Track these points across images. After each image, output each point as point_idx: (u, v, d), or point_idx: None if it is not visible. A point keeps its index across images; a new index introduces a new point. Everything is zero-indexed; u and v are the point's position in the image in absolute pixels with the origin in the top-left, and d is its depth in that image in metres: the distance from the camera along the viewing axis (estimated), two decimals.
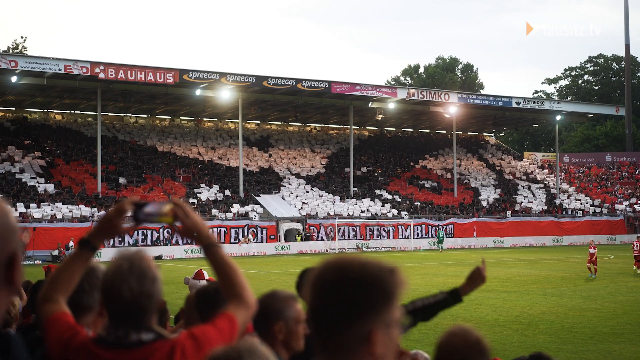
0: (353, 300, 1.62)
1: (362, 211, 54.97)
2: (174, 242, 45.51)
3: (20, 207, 43.76)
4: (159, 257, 42.24)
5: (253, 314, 2.73)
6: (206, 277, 13.19)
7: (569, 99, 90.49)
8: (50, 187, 47.29)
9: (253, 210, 51.00)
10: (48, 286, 2.73)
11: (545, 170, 71.93)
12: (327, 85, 52.32)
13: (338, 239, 50.28)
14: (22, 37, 78.56)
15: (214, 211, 49.26)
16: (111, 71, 45.22)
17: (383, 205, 56.84)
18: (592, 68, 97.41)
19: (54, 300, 2.69)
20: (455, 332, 2.44)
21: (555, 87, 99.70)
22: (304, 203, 54.06)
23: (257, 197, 53.05)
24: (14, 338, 1.73)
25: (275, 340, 3.06)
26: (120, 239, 40.49)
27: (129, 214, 2.73)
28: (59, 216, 43.96)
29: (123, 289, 2.53)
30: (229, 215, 49.43)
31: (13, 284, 1.64)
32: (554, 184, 67.78)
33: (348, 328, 1.62)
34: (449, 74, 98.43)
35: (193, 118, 62.08)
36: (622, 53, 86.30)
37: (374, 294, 1.63)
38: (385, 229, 53.15)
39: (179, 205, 2.71)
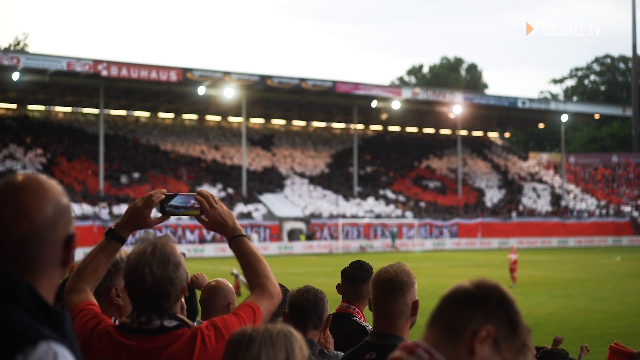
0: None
1: (366, 211, 54.67)
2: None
3: None
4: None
5: (277, 304, 2.73)
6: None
7: (575, 99, 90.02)
8: None
9: (256, 209, 50.72)
10: (74, 277, 2.76)
11: (551, 171, 71.51)
12: (331, 85, 52.03)
13: (342, 239, 49.99)
14: (23, 34, 78.22)
15: None
16: (114, 69, 45.00)
17: (387, 205, 56.52)
18: (598, 68, 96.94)
19: (80, 290, 2.73)
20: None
21: (561, 88, 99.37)
22: (307, 203, 53.76)
23: (260, 197, 52.77)
24: (67, 314, 1.65)
25: None
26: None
27: (157, 206, 2.79)
28: None
29: (145, 273, 2.50)
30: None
31: (67, 264, 1.71)
32: (559, 185, 67.37)
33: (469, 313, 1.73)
34: (454, 74, 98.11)
35: (196, 116, 61.83)
36: (629, 53, 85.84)
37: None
38: (389, 229, 52.82)
39: (205, 196, 2.75)
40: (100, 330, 2.59)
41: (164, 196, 2.79)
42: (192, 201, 2.78)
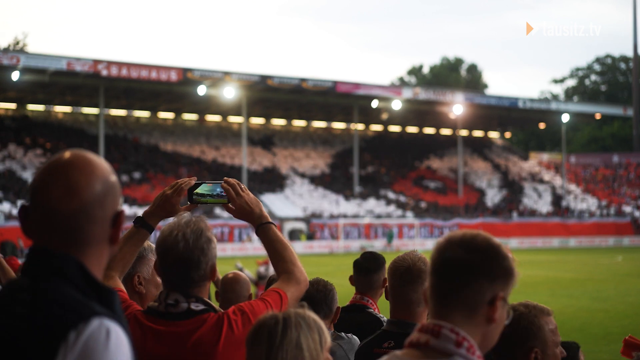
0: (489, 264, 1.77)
1: (367, 211, 54.59)
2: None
3: None
4: None
5: (304, 290, 2.77)
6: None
7: (575, 99, 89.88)
8: None
9: None
10: None
11: (552, 171, 71.41)
12: (331, 85, 51.94)
13: (342, 239, 49.93)
14: (23, 34, 78.11)
15: (217, 210, 48.91)
16: (114, 69, 44.92)
17: (388, 205, 56.44)
18: (599, 68, 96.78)
19: (108, 277, 2.76)
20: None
21: (562, 88, 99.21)
22: (308, 203, 53.69)
23: (260, 197, 52.64)
24: (116, 292, 1.67)
25: None
26: None
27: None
28: None
29: (179, 239, 2.53)
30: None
31: (115, 242, 1.72)
32: (560, 185, 67.27)
33: (481, 284, 1.76)
34: (454, 74, 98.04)
35: (197, 116, 61.77)
36: (629, 53, 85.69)
37: (498, 263, 1.79)
38: (389, 229, 52.74)
39: (231, 184, 2.80)
40: (128, 315, 2.59)
41: (193, 183, 2.82)
42: (219, 189, 2.80)
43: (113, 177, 1.73)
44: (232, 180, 2.82)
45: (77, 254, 1.67)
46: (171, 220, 2.71)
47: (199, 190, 2.82)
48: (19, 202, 43.62)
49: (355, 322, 3.96)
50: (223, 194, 2.80)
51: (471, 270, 1.77)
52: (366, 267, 4.26)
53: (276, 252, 2.76)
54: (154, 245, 3.18)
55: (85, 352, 1.52)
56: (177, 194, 2.83)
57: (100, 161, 1.73)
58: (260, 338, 2.00)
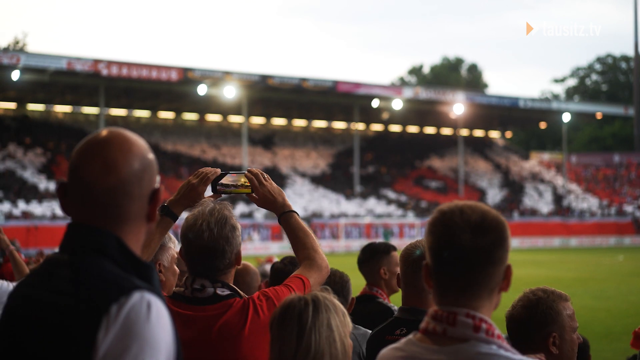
0: (503, 239, 1.72)
1: (368, 211, 54.54)
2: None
3: (22, 205, 43.39)
4: None
5: (325, 276, 2.81)
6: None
7: (576, 99, 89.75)
8: (52, 185, 46.92)
9: (257, 209, 50.59)
10: None
11: (552, 171, 71.32)
12: (332, 84, 51.85)
13: (343, 239, 49.84)
14: (22, 34, 78.07)
15: None
16: (114, 68, 44.86)
17: (388, 205, 56.38)
18: (600, 68, 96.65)
19: None
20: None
21: (562, 87, 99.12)
22: (308, 202, 53.62)
23: None
24: (154, 267, 1.71)
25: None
26: None
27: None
28: (60, 214, 43.59)
29: (203, 229, 2.57)
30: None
31: (152, 219, 1.74)
32: (561, 185, 67.20)
33: (498, 265, 1.71)
34: (454, 74, 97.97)
35: (197, 116, 61.71)
36: (630, 52, 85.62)
37: (508, 235, 1.75)
38: (389, 229, 52.68)
39: (255, 174, 2.88)
40: None
41: (219, 172, 2.85)
42: (241, 180, 2.86)
43: (150, 155, 1.74)
44: (255, 170, 2.88)
45: (115, 230, 1.68)
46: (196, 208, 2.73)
47: (222, 180, 2.86)
48: (19, 202, 43.59)
49: (365, 312, 4.03)
50: (246, 183, 2.85)
51: (489, 257, 1.69)
52: (360, 258, 4.45)
53: (298, 239, 2.82)
54: (171, 235, 3.25)
55: (127, 325, 1.54)
56: (203, 183, 2.84)
57: (137, 139, 1.73)
58: (290, 320, 2.01)
